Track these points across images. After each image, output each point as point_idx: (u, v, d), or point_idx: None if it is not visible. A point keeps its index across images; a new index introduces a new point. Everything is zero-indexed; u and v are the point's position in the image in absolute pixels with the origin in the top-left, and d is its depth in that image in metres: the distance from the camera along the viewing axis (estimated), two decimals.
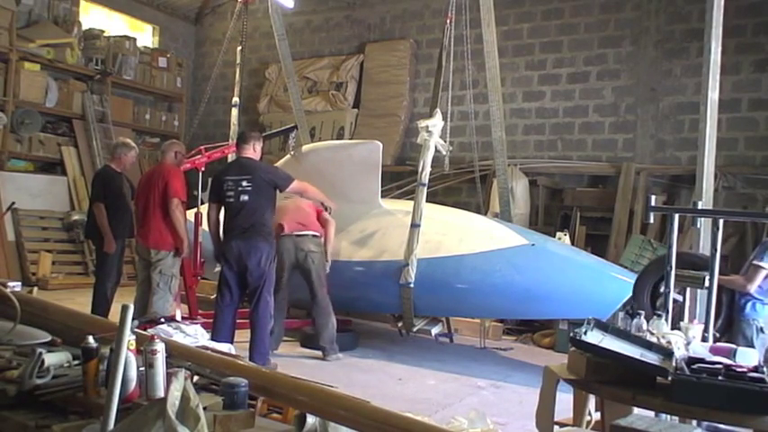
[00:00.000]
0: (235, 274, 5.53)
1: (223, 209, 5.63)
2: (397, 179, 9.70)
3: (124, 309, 2.07)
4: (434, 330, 6.96)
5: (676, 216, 4.05)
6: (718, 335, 4.59)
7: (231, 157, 7.74)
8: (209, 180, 6.13)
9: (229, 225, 5.56)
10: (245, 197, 5.46)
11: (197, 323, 5.41)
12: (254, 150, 5.69)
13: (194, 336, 4.41)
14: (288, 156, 7.22)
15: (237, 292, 5.62)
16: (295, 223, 6.13)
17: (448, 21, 6.53)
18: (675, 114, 8.60)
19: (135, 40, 11.32)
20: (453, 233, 6.32)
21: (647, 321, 3.43)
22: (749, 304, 4.46)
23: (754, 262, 4.39)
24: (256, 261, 5.43)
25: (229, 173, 5.67)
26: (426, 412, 3.84)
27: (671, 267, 3.89)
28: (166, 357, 2.18)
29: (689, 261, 4.56)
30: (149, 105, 11.99)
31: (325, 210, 6.42)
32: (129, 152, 6.47)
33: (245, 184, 5.47)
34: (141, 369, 2.15)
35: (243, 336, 5.70)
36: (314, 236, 6.16)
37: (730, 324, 4.43)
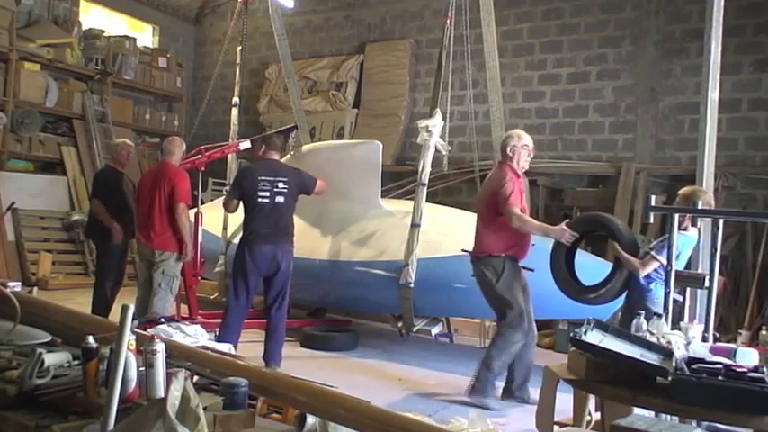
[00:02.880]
0: (258, 277, 5.52)
1: (245, 208, 5.60)
2: (397, 179, 9.69)
3: (124, 309, 2.07)
4: (434, 330, 6.96)
5: (676, 216, 4.05)
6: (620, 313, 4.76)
7: (231, 158, 7.76)
8: (236, 174, 6.14)
9: (257, 226, 5.49)
10: (281, 198, 5.49)
11: (197, 323, 5.42)
12: (277, 156, 5.81)
13: (194, 336, 4.42)
14: (288, 156, 7.22)
15: (253, 294, 5.65)
16: None
17: (448, 21, 6.53)
18: (675, 114, 8.59)
19: (135, 40, 11.31)
20: (453, 233, 6.31)
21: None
22: (653, 284, 4.46)
23: (652, 253, 4.40)
24: (287, 264, 5.51)
25: (263, 173, 5.58)
26: (426, 412, 3.83)
27: (671, 267, 3.89)
28: (166, 357, 2.18)
29: (598, 222, 4.72)
30: (149, 105, 11.99)
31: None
32: (122, 147, 6.56)
33: (281, 186, 5.50)
34: (141, 369, 2.15)
35: (242, 336, 5.70)
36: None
37: (632, 305, 4.46)
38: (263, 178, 5.52)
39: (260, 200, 5.47)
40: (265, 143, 5.95)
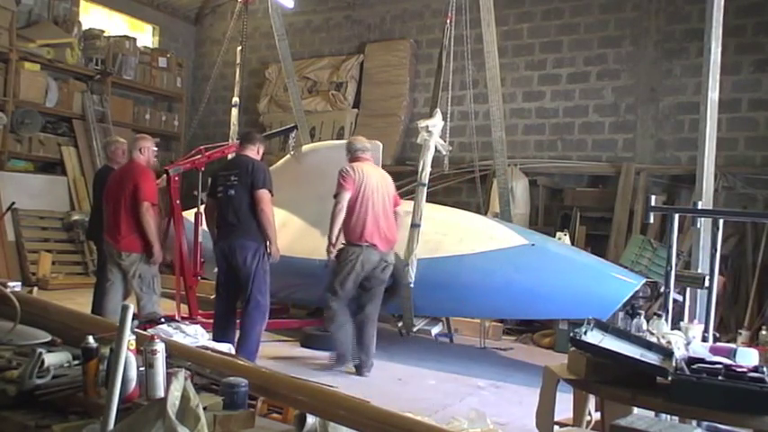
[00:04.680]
0: (225, 273, 5.55)
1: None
2: (397, 179, 9.66)
3: (124, 309, 2.07)
4: (434, 330, 6.96)
5: (676, 216, 4.05)
6: None
7: (230, 158, 7.76)
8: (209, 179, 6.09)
9: (220, 222, 5.56)
10: (232, 191, 5.46)
11: (197, 323, 5.41)
12: (252, 151, 5.68)
13: (194, 336, 4.43)
14: (288, 156, 7.22)
15: (234, 291, 5.60)
16: None
17: (448, 21, 6.52)
18: (675, 114, 8.59)
19: (135, 40, 11.31)
20: (453, 233, 6.31)
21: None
22: None
23: None
24: (242, 260, 5.38)
25: (225, 168, 5.71)
26: (426, 412, 3.83)
27: (671, 267, 3.89)
28: (166, 357, 2.18)
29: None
30: (149, 105, 11.99)
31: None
32: (116, 145, 6.48)
33: (233, 178, 5.48)
34: (141, 369, 2.15)
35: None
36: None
37: None
38: (221, 173, 5.59)
39: (218, 194, 5.54)
40: (240, 139, 5.97)
